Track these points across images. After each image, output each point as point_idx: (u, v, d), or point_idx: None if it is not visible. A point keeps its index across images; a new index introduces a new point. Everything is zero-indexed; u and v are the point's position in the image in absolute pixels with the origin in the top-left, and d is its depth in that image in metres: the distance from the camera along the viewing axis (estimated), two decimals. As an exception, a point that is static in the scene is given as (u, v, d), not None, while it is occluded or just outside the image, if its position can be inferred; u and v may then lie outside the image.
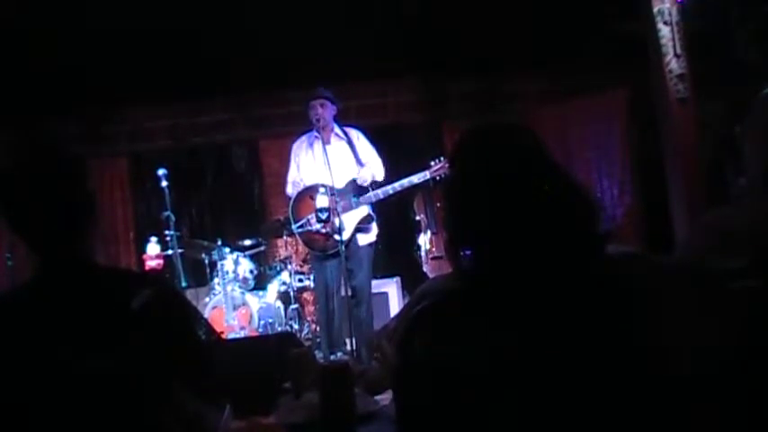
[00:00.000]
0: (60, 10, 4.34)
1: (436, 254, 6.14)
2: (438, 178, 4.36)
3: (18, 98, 5.05)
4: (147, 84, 5.39)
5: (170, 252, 4.58)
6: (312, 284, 4.92)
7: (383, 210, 5.67)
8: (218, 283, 5.01)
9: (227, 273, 5.02)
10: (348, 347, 4.21)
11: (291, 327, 5.11)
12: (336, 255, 4.19)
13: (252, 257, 5.29)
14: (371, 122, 5.75)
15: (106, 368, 1.21)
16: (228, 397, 1.44)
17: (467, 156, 1.12)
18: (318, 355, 4.36)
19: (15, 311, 1.28)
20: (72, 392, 1.20)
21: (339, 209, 4.04)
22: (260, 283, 5.34)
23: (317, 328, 4.79)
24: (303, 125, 4.49)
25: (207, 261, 5.22)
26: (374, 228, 4.32)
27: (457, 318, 1.02)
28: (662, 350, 0.92)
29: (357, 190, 4.24)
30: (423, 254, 6.22)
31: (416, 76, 6.27)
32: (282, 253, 5.57)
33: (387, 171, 4.41)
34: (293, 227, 4.27)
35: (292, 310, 5.18)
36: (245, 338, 4.62)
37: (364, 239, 4.25)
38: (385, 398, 2.01)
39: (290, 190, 4.41)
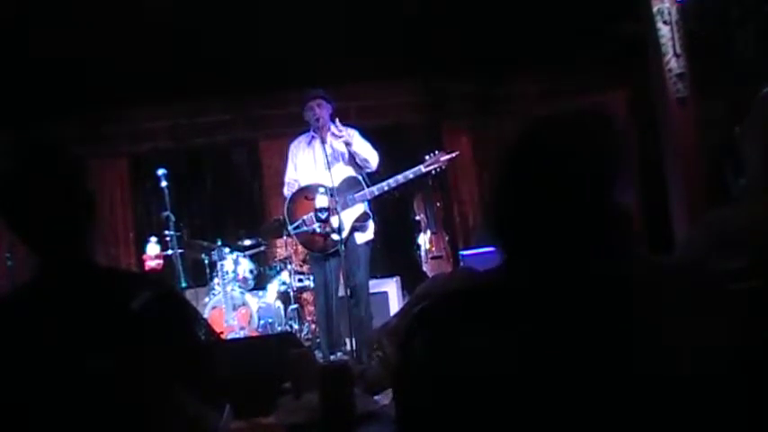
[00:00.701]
0: (60, 10, 4.34)
1: (436, 253, 6.15)
2: (434, 172, 4.36)
3: (18, 98, 5.05)
4: (147, 84, 5.39)
5: (170, 252, 4.58)
6: (312, 284, 4.92)
7: (383, 209, 5.68)
8: (218, 284, 5.01)
9: (227, 273, 5.02)
10: (348, 347, 4.21)
11: (291, 327, 5.11)
12: (335, 254, 4.19)
13: (252, 257, 5.29)
14: (371, 123, 5.76)
15: (106, 369, 1.21)
16: (228, 397, 1.44)
17: (538, 146, 1.04)
18: (318, 355, 4.36)
19: (15, 312, 1.28)
20: (72, 393, 1.20)
21: (339, 208, 4.04)
22: (260, 284, 5.35)
23: (317, 328, 4.78)
24: (303, 126, 4.49)
25: (207, 261, 5.22)
26: (371, 225, 4.31)
27: (458, 318, 1.02)
28: (662, 351, 0.92)
29: (353, 188, 4.23)
30: (422, 253, 6.23)
31: (416, 77, 6.27)
32: (282, 253, 5.57)
33: (386, 171, 4.40)
34: (289, 228, 4.27)
35: (292, 310, 5.18)
36: (245, 339, 4.63)
37: (361, 238, 4.25)
38: (384, 398, 2.01)
39: (287, 191, 4.41)
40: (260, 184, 6.38)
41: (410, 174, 4.26)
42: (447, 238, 6.32)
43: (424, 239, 6.22)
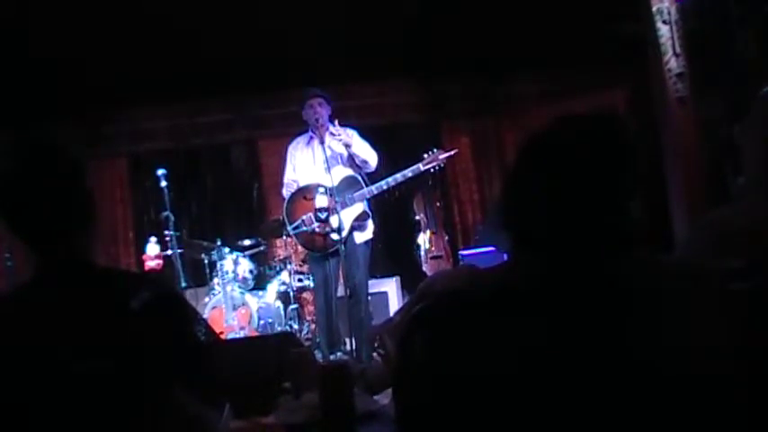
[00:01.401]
0: (60, 10, 4.34)
1: (435, 253, 6.15)
2: (432, 170, 4.36)
3: (18, 98, 5.05)
4: (147, 84, 5.39)
5: (169, 252, 4.58)
6: (311, 284, 4.92)
7: (383, 209, 5.68)
8: (218, 284, 5.01)
9: (227, 273, 5.02)
10: (347, 347, 4.21)
11: (291, 327, 5.11)
12: (335, 254, 4.18)
13: (251, 257, 5.29)
14: (371, 123, 5.77)
15: (105, 369, 1.21)
16: (228, 397, 1.44)
17: (549, 145, 1.05)
18: (318, 354, 4.36)
19: (15, 312, 1.28)
20: (71, 393, 1.20)
21: (338, 208, 4.03)
22: (259, 283, 5.35)
23: (317, 328, 4.79)
24: (302, 125, 4.49)
25: (206, 261, 5.22)
26: (370, 225, 4.31)
27: (457, 318, 1.02)
28: (662, 350, 0.92)
29: (352, 187, 4.23)
30: (422, 253, 6.23)
31: (416, 77, 6.27)
32: (282, 253, 5.57)
33: (385, 171, 4.40)
34: (289, 228, 4.26)
35: (292, 309, 5.18)
36: (245, 338, 4.62)
37: (360, 237, 4.24)
38: (384, 397, 2.01)
39: (285, 192, 4.40)
40: (259, 184, 6.38)
41: (409, 172, 4.26)
42: (447, 238, 6.32)
43: (423, 239, 6.23)
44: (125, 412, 1.23)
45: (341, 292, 4.52)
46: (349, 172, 4.25)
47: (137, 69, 5.13)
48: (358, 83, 6.00)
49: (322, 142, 4.21)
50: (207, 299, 5.07)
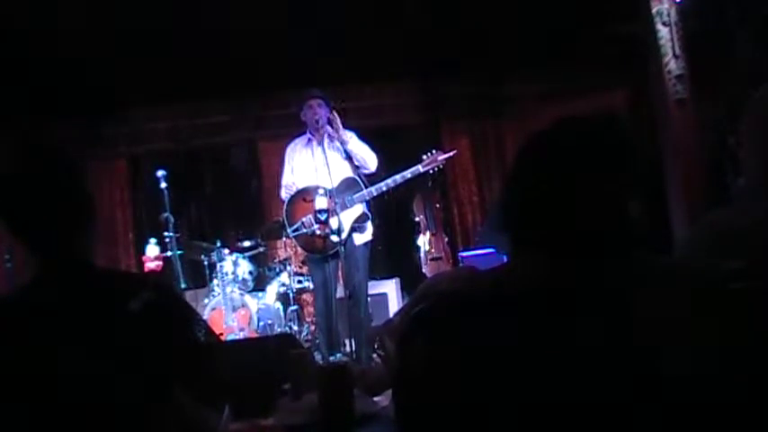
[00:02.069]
0: (60, 10, 4.34)
1: (435, 255, 6.15)
2: (431, 172, 4.35)
3: (17, 99, 5.05)
4: (147, 85, 5.39)
5: (169, 253, 4.57)
6: (311, 286, 4.92)
7: (383, 210, 5.68)
8: (218, 285, 5.01)
9: (227, 274, 5.02)
10: (347, 348, 4.21)
11: (291, 328, 5.11)
12: (334, 256, 4.18)
13: (251, 259, 5.29)
14: (370, 124, 5.76)
15: (105, 370, 1.21)
16: (228, 398, 1.44)
17: (549, 146, 1.05)
18: (317, 356, 4.35)
19: (15, 313, 1.28)
20: (71, 394, 1.20)
21: (338, 209, 4.03)
22: (259, 285, 5.35)
23: (317, 330, 4.78)
24: (302, 127, 4.49)
25: (206, 262, 5.21)
26: (369, 227, 4.31)
27: (457, 318, 1.02)
28: (662, 350, 0.92)
29: (351, 188, 4.22)
30: (422, 255, 6.23)
31: (415, 78, 6.27)
32: (281, 254, 5.57)
33: (385, 172, 4.40)
34: (288, 231, 4.25)
35: (291, 311, 5.18)
36: (245, 340, 4.62)
37: (360, 239, 4.24)
38: (384, 399, 2.01)
39: (284, 194, 4.39)
40: (259, 185, 6.38)
41: (408, 174, 4.25)
42: (446, 240, 6.32)
43: (423, 241, 6.23)
44: (125, 413, 1.22)
45: (340, 293, 4.51)
46: (348, 174, 4.25)
47: (137, 69, 5.13)
48: (358, 84, 6.00)
49: (321, 144, 4.21)
50: (206, 300, 5.06)
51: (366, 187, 4.21)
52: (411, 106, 6.46)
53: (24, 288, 1.31)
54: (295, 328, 5.15)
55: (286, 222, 4.29)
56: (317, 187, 4.09)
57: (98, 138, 6.14)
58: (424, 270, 6.13)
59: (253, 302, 5.02)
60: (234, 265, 5.09)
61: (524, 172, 1.06)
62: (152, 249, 4.66)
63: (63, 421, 1.20)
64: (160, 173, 4.45)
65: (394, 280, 5.65)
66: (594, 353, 0.93)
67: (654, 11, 4.09)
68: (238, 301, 4.96)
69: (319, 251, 4.23)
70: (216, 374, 1.46)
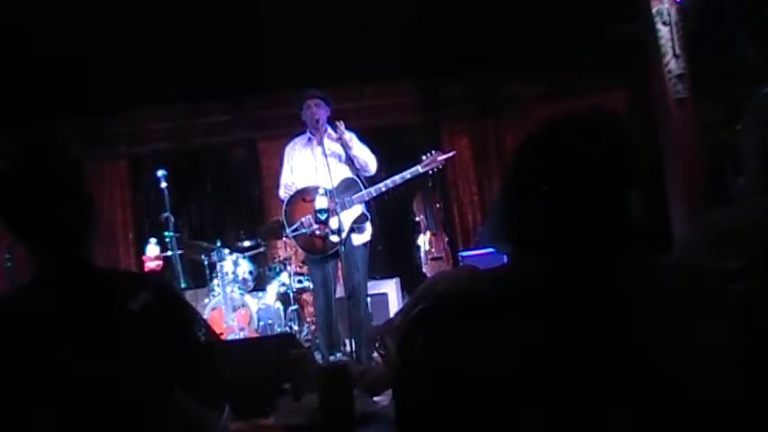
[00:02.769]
0: (60, 10, 4.34)
1: (435, 254, 6.15)
2: (431, 172, 4.35)
3: (18, 99, 5.05)
4: (147, 85, 5.39)
5: (169, 253, 4.57)
6: (311, 285, 4.92)
7: (383, 210, 5.68)
8: (218, 285, 5.01)
9: (227, 274, 5.02)
10: (347, 348, 4.21)
11: (291, 328, 5.11)
12: (334, 255, 4.18)
13: (251, 259, 5.29)
14: (370, 124, 5.76)
15: (106, 369, 1.21)
16: (228, 398, 1.44)
17: (548, 144, 1.05)
18: (318, 356, 4.35)
19: (15, 313, 1.28)
20: (71, 394, 1.20)
21: (338, 209, 4.03)
22: (259, 285, 5.34)
23: (316, 330, 4.78)
24: (302, 126, 4.49)
25: (206, 262, 5.21)
26: (368, 227, 4.31)
27: (457, 318, 1.02)
28: (662, 350, 0.92)
29: (350, 189, 4.22)
30: (422, 254, 6.23)
31: (415, 78, 6.27)
32: (282, 254, 5.57)
33: (385, 172, 4.40)
34: (288, 231, 4.25)
35: (292, 311, 5.18)
36: (245, 340, 4.62)
37: (359, 239, 4.24)
38: (384, 399, 2.01)
39: (283, 194, 4.39)
40: (259, 184, 6.37)
41: (407, 174, 4.25)
42: (446, 239, 6.32)
43: (423, 240, 6.23)
44: (125, 413, 1.22)
45: (340, 293, 4.51)
46: (348, 174, 4.25)
47: (137, 69, 5.13)
48: (358, 84, 6.00)
49: (321, 144, 4.21)
50: (207, 300, 5.07)
51: (365, 188, 4.21)
52: (411, 106, 6.45)
53: (24, 288, 1.31)
54: (295, 327, 5.15)
55: (285, 222, 4.29)
56: (317, 187, 4.09)
57: (98, 138, 6.14)
58: (424, 270, 6.13)
59: (253, 302, 5.02)
60: (234, 265, 5.09)
61: (522, 171, 1.06)
62: (152, 249, 4.66)
63: (63, 421, 1.20)
64: (160, 173, 4.44)
65: (394, 280, 5.65)
66: (596, 352, 0.93)
67: (654, 11, 4.09)
68: (238, 301, 4.96)
69: (318, 251, 4.23)
70: (216, 374, 1.46)
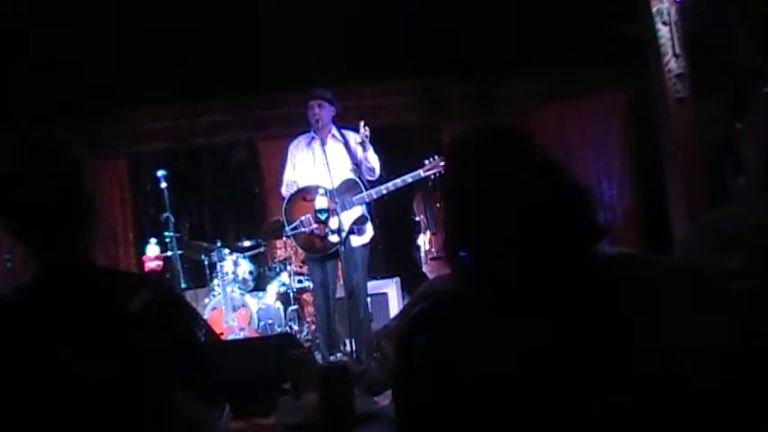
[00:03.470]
0: (60, 10, 4.34)
1: (436, 254, 6.14)
2: (433, 176, 4.36)
3: (18, 99, 5.05)
4: (147, 85, 5.38)
5: (169, 253, 4.58)
6: (311, 285, 4.92)
7: (383, 210, 5.67)
8: (218, 285, 5.01)
9: (227, 274, 5.02)
10: (347, 348, 4.21)
11: (291, 328, 5.11)
12: (334, 255, 4.18)
13: (251, 258, 5.29)
14: (371, 124, 5.75)
15: (105, 370, 1.21)
16: (228, 398, 1.44)
17: (464, 157, 1.11)
18: (318, 356, 4.35)
19: (14, 313, 1.28)
20: (71, 394, 1.20)
21: (338, 209, 4.03)
22: (259, 285, 5.34)
23: (316, 329, 4.78)
24: (302, 126, 4.49)
25: (206, 262, 5.21)
26: (369, 228, 4.31)
27: (457, 318, 1.02)
28: (661, 350, 0.92)
29: (351, 190, 4.22)
30: (422, 254, 6.22)
31: (415, 78, 6.27)
32: (282, 254, 5.57)
33: (385, 172, 4.40)
34: (287, 229, 4.25)
35: (292, 311, 5.18)
36: (245, 339, 4.62)
37: (359, 240, 4.24)
38: (384, 399, 2.01)
39: (285, 191, 4.40)
40: (259, 184, 6.37)
41: (409, 178, 4.26)
42: (447, 239, 6.30)
43: (423, 240, 6.22)
44: (125, 413, 1.22)
45: (340, 293, 4.51)
46: (349, 175, 4.25)
47: (137, 69, 5.12)
48: (358, 83, 5.99)
49: (323, 144, 4.21)
50: (207, 300, 5.06)
51: (366, 190, 4.21)
52: (411, 106, 6.45)
53: (24, 288, 1.31)
54: (295, 327, 5.15)
55: (285, 221, 4.29)
56: (318, 187, 4.10)
57: (98, 138, 6.14)
58: (424, 269, 6.12)
59: (253, 302, 5.02)
60: (234, 265, 5.08)
61: (452, 199, 1.12)
62: (152, 249, 4.66)
63: (63, 421, 1.20)
64: (160, 172, 4.45)
65: (394, 280, 5.64)
66: (595, 352, 0.93)
67: (654, 10, 4.09)
68: (238, 301, 4.96)
69: (317, 251, 4.23)
70: (216, 374, 1.46)
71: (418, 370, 1.01)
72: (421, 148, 5.94)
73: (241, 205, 6.45)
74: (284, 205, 4.33)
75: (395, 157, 5.25)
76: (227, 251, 5.12)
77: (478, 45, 5.37)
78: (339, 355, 4.21)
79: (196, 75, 5.34)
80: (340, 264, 4.28)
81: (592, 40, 5.21)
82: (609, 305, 0.95)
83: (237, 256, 5.15)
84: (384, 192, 4.23)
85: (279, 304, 5.17)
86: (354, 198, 4.20)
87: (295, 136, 4.50)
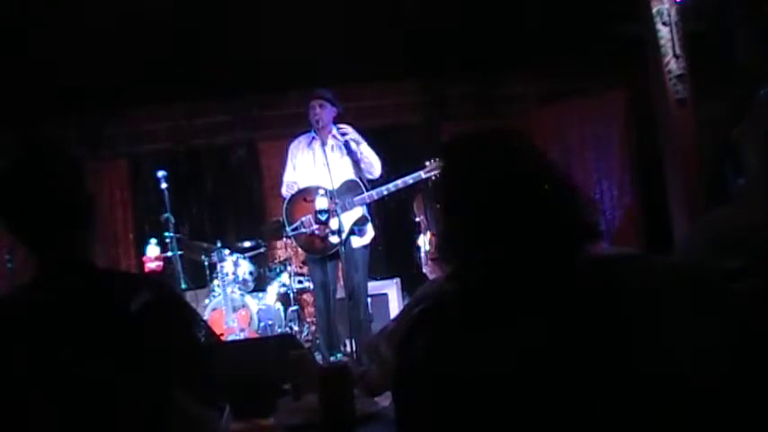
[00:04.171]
0: (60, 10, 4.34)
1: (435, 255, 6.14)
2: (434, 178, 4.35)
3: (18, 100, 5.05)
4: (147, 85, 5.38)
5: (170, 254, 4.58)
6: (311, 286, 4.91)
7: (383, 211, 5.67)
8: (218, 285, 5.01)
9: (227, 274, 5.02)
10: (347, 349, 4.21)
11: (291, 328, 5.10)
12: (334, 256, 4.18)
13: (251, 259, 5.28)
14: (370, 124, 5.75)
15: (105, 370, 1.21)
16: (228, 399, 1.44)
17: (458, 159, 1.12)
18: (318, 356, 4.35)
19: (15, 313, 1.28)
20: (71, 394, 1.20)
21: (338, 210, 4.03)
22: (259, 285, 5.34)
23: (317, 330, 4.79)
24: (302, 127, 4.49)
25: (206, 263, 5.21)
26: (369, 229, 4.31)
27: (457, 320, 1.02)
28: (661, 350, 0.92)
29: (352, 191, 4.22)
30: (422, 255, 6.22)
31: (415, 78, 6.27)
32: (282, 254, 5.57)
33: (386, 172, 4.40)
34: (287, 229, 4.25)
35: (292, 311, 5.18)
36: (245, 340, 4.62)
37: (359, 241, 4.24)
38: (385, 399, 2.01)
39: (285, 191, 4.40)
40: (260, 185, 6.36)
41: (410, 179, 4.26)
42: (447, 239, 6.30)
43: (423, 241, 6.21)
44: (125, 414, 1.22)
45: (341, 293, 4.51)
46: (350, 176, 4.25)
47: (137, 70, 5.13)
48: (358, 84, 5.99)
49: (323, 144, 4.21)
50: (207, 300, 5.06)
51: (366, 190, 4.21)
52: (411, 106, 6.45)
53: (24, 288, 1.31)
54: (295, 328, 5.15)
55: (285, 221, 4.29)
56: (318, 187, 4.10)
57: (98, 138, 6.14)
58: (424, 270, 6.11)
59: (253, 303, 5.02)
60: (234, 266, 5.08)
61: (446, 201, 1.11)
62: (152, 249, 4.66)
63: (63, 422, 1.20)
64: (160, 173, 4.45)
65: (394, 280, 5.64)
66: (595, 353, 0.93)
67: (654, 11, 4.09)
68: (239, 302, 4.96)
69: (318, 251, 4.23)
70: (216, 375, 1.46)
71: (418, 371, 1.01)
72: (421, 149, 5.93)
73: (241, 206, 6.44)
74: (285, 206, 4.33)
75: (394, 156, 5.25)
76: (227, 252, 5.12)
77: (478, 45, 5.37)
78: (339, 355, 4.21)
79: (196, 75, 5.34)
80: (340, 264, 4.28)
81: (592, 40, 5.22)
82: (609, 305, 0.95)
83: (238, 257, 5.15)
84: (384, 193, 4.23)
85: (279, 305, 5.17)
86: (355, 199, 4.20)
87: (295, 136, 4.50)
